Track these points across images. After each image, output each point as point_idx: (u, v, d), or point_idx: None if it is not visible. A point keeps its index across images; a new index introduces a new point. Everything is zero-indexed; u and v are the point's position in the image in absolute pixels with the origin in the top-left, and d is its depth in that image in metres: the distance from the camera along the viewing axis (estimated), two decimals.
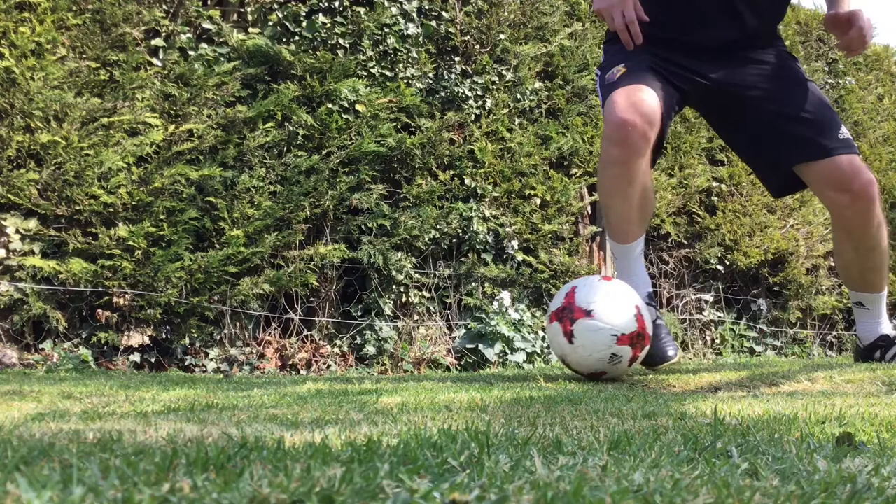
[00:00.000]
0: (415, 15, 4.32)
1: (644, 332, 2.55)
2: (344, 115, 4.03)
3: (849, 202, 2.67)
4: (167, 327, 3.65)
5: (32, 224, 3.42)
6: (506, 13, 4.58)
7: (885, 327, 2.90)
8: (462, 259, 4.34)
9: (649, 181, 2.64)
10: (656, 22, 2.64)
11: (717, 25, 2.68)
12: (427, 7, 4.38)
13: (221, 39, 3.89)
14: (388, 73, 4.22)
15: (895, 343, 2.86)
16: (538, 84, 4.68)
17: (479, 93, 4.45)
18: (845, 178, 2.67)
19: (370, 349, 4.00)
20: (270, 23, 4.01)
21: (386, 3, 4.21)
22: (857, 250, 2.77)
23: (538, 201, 4.61)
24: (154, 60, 3.73)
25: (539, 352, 4.37)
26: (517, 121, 4.60)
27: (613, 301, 2.54)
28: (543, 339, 4.46)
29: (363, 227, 4.07)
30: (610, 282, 2.62)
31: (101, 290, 3.49)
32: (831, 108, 2.80)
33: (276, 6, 4.03)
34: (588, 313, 2.52)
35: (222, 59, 3.85)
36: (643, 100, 2.50)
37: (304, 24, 4.04)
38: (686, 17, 2.68)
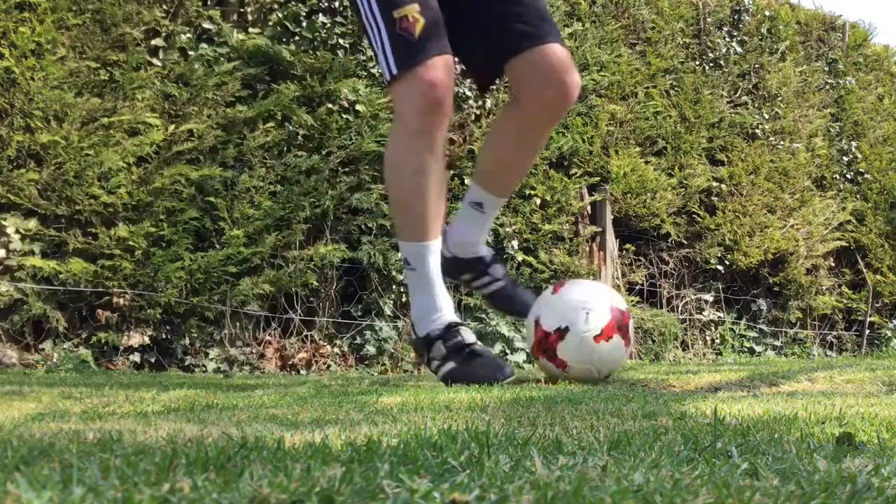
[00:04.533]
0: None
1: (623, 317, 2.50)
2: (344, 115, 4.03)
3: (555, 98, 2.44)
4: (167, 327, 3.65)
5: (32, 224, 3.42)
6: None
7: (483, 247, 2.65)
8: None
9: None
10: None
11: None
12: None
13: (221, 39, 3.89)
14: None
15: (488, 272, 2.63)
16: None
17: (479, 93, 4.45)
18: (559, 70, 2.43)
19: (370, 349, 4.00)
20: (270, 23, 4.01)
21: None
22: (520, 148, 2.54)
23: (538, 201, 4.61)
24: (154, 60, 3.73)
25: None
26: None
27: (582, 306, 2.47)
28: None
29: (363, 227, 4.07)
30: (559, 291, 2.54)
31: (101, 290, 3.49)
32: None
33: (276, 6, 4.03)
34: (561, 331, 2.47)
35: (222, 59, 3.85)
36: (447, 77, 2.26)
37: (304, 24, 4.04)
38: None
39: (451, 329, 2.39)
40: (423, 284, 2.39)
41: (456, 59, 2.58)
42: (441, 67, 2.24)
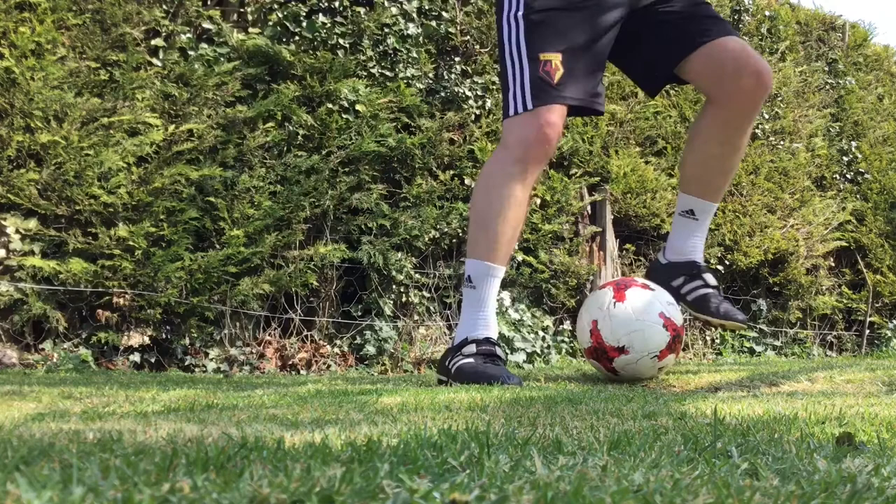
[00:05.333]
0: (415, 15, 4.32)
1: (678, 331, 2.59)
2: (344, 115, 4.03)
3: (752, 86, 2.51)
4: (167, 327, 3.65)
5: (32, 224, 3.42)
6: None
7: (699, 254, 2.74)
8: (462, 259, 4.34)
9: None
10: None
11: None
12: (427, 7, 4.37)
13: (221, 39, 3.89)
14: (388, 73, 4.22)
15: (700, 275, 2.71)
16: None
17: (479, 93, 4.45)
18: (752, 59, 2.52)
19: (370, 349, 4.00)
20: (270, 23, 4.01)
21: (386, 3, 4.21)
22: (723, 146, 2.59)
23: (538, 201, 4.61)
24: (154, 60, 3.73)
25: (539, 352, 4.37)
26: None
27: (641, 326, 2.54)
28: (543, 339, 4.46)
29: (363, 227, 4.07)
30: (623, 302, 2.58)
31: (101, 290, 3.49)
32: None
33: (276, 6, 4.03)
34: (622, 349, 2.56)
35: (222, 59, 3.85)
36: (561, 123, 2.43)
37: (304, 24, 4.04)
38: None
39: (488, 340, 2.50)
40: (478, 302, 2.50)
41: (620, 68, 2.79)
42: (559, 114, 2.40)
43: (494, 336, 2.53)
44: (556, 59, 2.39)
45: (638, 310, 2.54)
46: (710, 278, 2.72)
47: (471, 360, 2.47)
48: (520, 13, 2.43)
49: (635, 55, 2.67)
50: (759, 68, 2.52)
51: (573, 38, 2.42)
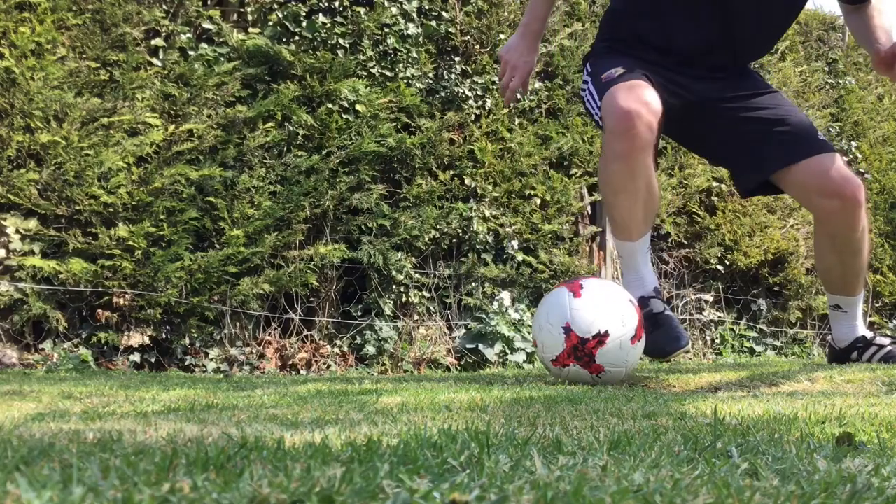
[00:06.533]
0: (415, 15, 4.32)
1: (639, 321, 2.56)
2: (344, 115, 4.03)
3: (838, 208, 2.62)
4: (167, 327, 3.65)
5: (32, 224, 3.42)
6: (506, 13, 4.58)
7: (861, 329, 2.92)
8: (462, 259, 4.34)
9: (654, 177, 2.54)
10: (651, 32, 2.65)
11: (712, 52, 2.67)
12: (427, 7, 4.37)
13: (221, 39, 3.89)
14: (388, 73, 4.22)
15: (872, 343, 2.88)
16: (538, 84, 4.68)
17: (479, 93, 4.45)
18: (833, 182, 2.61)
19: (370, 349, 4.00)
20: (270, 23, 4.01)
21: (386, 3, 4.21)
22: (840, 255, 2.74)
23: (538, 201, 4.61)
24: (154, 60, 3.73)
25: None
26: (517, 121, 4.60)
27: (632, 362, 2.51)
28: None
29: (363, 227, 4.07)
30: (604, 371, 2.49)
31: (101, 290, 3.49)
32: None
33: (276, 6, 4.03)
34: (602, 337, 2.49)
35: (222, 59, 3.85)
36: (645, 92, 2.43)
37: (304, 24, 4.04)
38: (683, 39, 2.64)
39: (642, 299, 2.64)
40: (629, 266, 2.68)
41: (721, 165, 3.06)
42: (626, 87, 2.43)
43: (650, 288, 2.64)
44: (616, 70, 2.52)
45: (619, 361, 2.48)
46: (882, 340, 2.91)
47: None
48: (588, 79, 2.66)
49: (732, 158, 2.82)
50: (840, 190, 2.61)
51: (631, 63, 2.57)
